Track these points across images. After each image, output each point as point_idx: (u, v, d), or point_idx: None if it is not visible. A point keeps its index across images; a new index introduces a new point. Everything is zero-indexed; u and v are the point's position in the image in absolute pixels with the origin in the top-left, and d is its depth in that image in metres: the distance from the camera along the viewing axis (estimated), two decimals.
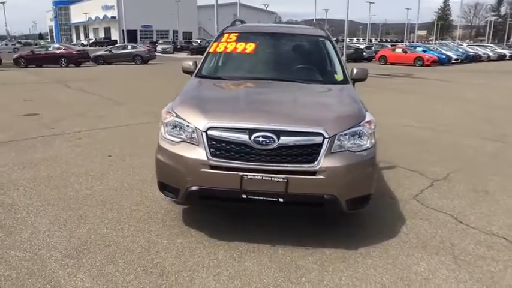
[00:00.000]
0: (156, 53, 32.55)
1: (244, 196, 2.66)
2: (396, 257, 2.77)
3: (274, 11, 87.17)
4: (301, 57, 4.11)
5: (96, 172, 4.38)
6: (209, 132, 2.68)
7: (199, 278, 2.50)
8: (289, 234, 3.07)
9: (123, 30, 74.56)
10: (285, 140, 2.61)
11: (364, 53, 28.91)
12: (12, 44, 46.54)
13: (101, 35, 79.34)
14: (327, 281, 2.50)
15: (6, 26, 72.04)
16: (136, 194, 3.79)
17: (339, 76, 3.75)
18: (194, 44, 46.71)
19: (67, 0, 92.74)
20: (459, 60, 29.16)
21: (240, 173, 2.60)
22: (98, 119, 7.30)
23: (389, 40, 70.60)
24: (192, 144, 2.73)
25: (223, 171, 2.63)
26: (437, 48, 30.36)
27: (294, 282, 2.48)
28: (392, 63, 26.27)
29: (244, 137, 2.62)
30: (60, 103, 9.23)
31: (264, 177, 2.59)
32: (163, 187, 2.95)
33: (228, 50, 4.02)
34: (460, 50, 33.08)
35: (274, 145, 2.60)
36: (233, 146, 2.64)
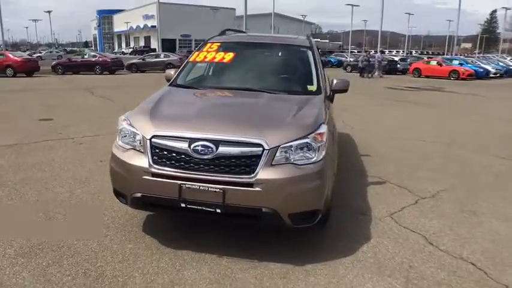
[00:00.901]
0: None
1: (183, 205, 2.65)
2: (343, 277, 2.63)
3: (312, 22, 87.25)
4: (276, 67, 4.07)
5: (81, 176, 4.53)
6: (153, 140, 2.70)
7: (132, 284, 2.51)
8: (242, 245, 3.01)
9: (162, 39, 77.56)
10: (223, 150, 2.58)
11: (398, 65, 28.04)
12: (57, 52, 49.47)
13: (141, 43, 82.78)
14: None
15: (53, 33, 77.07)
16: (109, 199, 3.85)
17: (313, 87, 3.66)
18: None
19: (111, 10, 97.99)
20: (498, 75, 27.59)
21: (179, 182, 2.60)
22: (106, 125, 7.57)
23: (430, 53, 68.27)
24: (139, 152, 2.76)
25: (163, 179, 2.64)
26: (475, 62, 28.92)
27: None
28: (426, 76, 25.30)
29: (184, 146, 2.62)
30: (77, 109, 9.68)
31: (201, 187, 2.57)
32: (116, 193, 3.00)
33: (207, 60, 4.06)
34: (501, 63, 31.30)
35: (212, 155, 2.58)
36: (174, 154, 2.65)
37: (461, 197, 4.16)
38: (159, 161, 2.68)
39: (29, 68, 20.55)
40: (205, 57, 4.09)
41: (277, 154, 2.60)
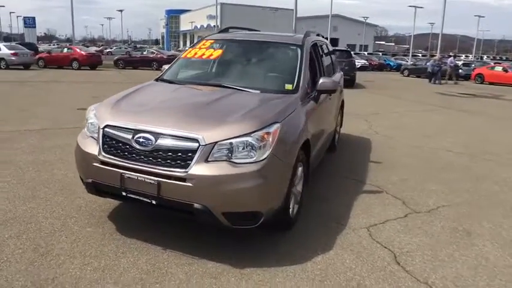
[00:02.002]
0: None
1: (124, 194, 2.69)
2: (275, 285, 2.47)
3: (375, 24, 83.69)
4: (259, 65, 3.97)
5: None
6: (105, 129, 2.78)
7: (68, 264, 2.60)
8: (197, 241, 2.97)
9: None
10: (161, 142, 2.58)
11: (460, 71, 25.89)
12: (125, 48, 52.80)
13: None
14: None
15: (127, 31, 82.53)
16: None
17: (290, 86, 3.48)
18: None
19: (178, 10, 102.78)
20: None
21: (121, 171, 2.64)
22: None
23: (504, 58, 62.13)
24: (95, 140, 2.85)
25: (109, 167, 2.70)
26: None
27: (147, 286, 2.40)
28: (490, 83, 23.06)
29: (128, 137, 2.67)
30: None
31: (139, 178, 2.59)
32: (80, 178, 3.12)
33: (196, 56, 4.09)
34: None
35: (151, 147, 2.58)
36: (120, 144, 2.70)
37: (463, 215, 3.70)
38: (108, 149, 2.75)
39: (92, 62, 22.32)
40: (195, 53, 4.11)
41: (214, 150, 2.52)
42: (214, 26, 79.52)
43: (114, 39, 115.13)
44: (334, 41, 63.51)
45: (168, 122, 2.67)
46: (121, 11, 71.40)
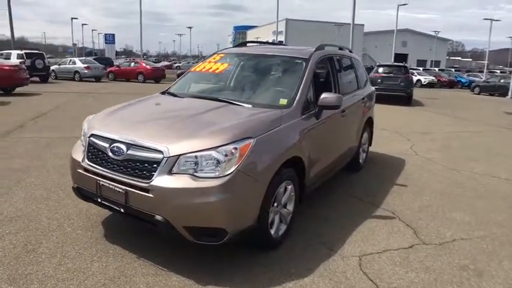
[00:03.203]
0: None
1: (99, 200, 2.79)
2: None
3: (448, 39, 78.45)
4: (259, 78, 3.91)
5: None
6: (90, 138, 2.93)
7: (47, 262, 2.76)
8: (171, 253, 2.95)
9: None
10: (131, 152, 2.64)
11: None
12: (193, 63, 55.77)
13: None
14: None
15: (198, 46, 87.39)
16: None
17: (284, 101, 3.36)
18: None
19: (246, 26, 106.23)
20: None
21: (97, 178, 2.75)
22: None
23: None
24: (84, 148, 3.01)
25: (89, 174, 2.83)
26: None
27: None
28: None
29: (106, 146, 2.78)
30: None
31: (110, 185, 2.67)
32: None
33: (204, 70, 4.17)
34: None
35: (123, 156, 2.66)
36: (100, 153, 2.83)
37: (482, 251, 3.22)
38: (90, 157, 2.89)
39: (156, 76, 23.88)
40: (204, 67, 4.20)
41: (178, 163, 2.51)
42: (279, 41, 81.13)
43: (186, 55, 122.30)
44: (403, 57, 60.79)
45: (141, 133, 2.74)
46: (190, 28, 75.74)
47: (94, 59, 29.09)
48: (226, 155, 2.53)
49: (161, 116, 3.19)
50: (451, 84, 31.82)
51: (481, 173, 5.64)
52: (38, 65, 19.11)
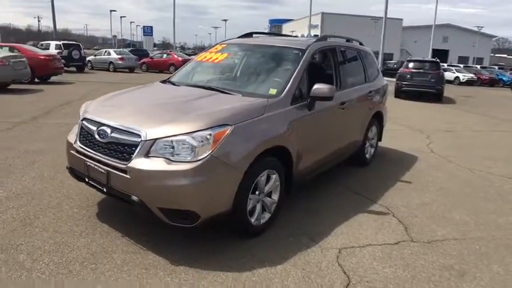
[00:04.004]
0: None
1: (87, 180, 2.95)
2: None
3: (493, 35, 73.76)
4: (254, 68, 3.94)
5: None
6: (83, 121, 3.11)
7: (39, 235, 2.97)
8: (156, 233, 3.06)
9: None
10: (114, 135, 2.79)
11: None
12: None
13: None
14: (105, 274, 2.52)
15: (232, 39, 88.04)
16: None
17: (274, 90, 3.36)
18: (388, 65, 44.79)
19: (281, 19, 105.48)
20: None
21: (85, 159, 2.92)
22: None
23: None
24: (77, 131, 3.19)
25: (79, 155, 3.01)
26: None
27: (84, 265, 2.61)
28: None
29: (94, 129, 2.94)
30: None
31: (95, 166, 2.83)
32: None
33: (205, 60, 4.26)
34: None
35: (107, 139, 2.81)
36: (89, 135, 2.99)
37: (472, 252, 3.09)
38: (82, 139, 3.07)
39: None
40: (205, 57, 4.28)
41: (154, 146, 2.62)
42: (314, 35, 79.89)
43: None
44: (443, 53, 58.06)
45: (125, 118, 2.88)
46: (225, 20, 76.46)
47: (130, 50, 30.06)
48: (200, 141, 2.59)
49: (150, 102, 3.30)
50: (492, 83, 30.06)
51: (497, 174, 5.36)
52: (75, 55, 20.03)
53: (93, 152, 2.88)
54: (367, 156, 5.31)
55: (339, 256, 2.93)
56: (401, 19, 63.53)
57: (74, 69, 20.78)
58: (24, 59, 11.25)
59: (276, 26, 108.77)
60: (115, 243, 2.92)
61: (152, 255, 2.78)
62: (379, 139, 5.74)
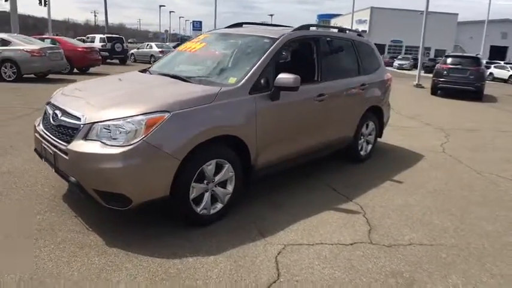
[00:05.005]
0: (392, 69, 33.87)
1: (43, 159, 3.11)
2: (116, 270, 2.45)
3: None
4: (222, 57, 3.90)
5: None
6: (46, 106, 3.28)
7: (1, 204, 3.15)
8: (111, 215, 3.11)
9: None
10: (62, 119, 2.91)
11: None
12: None
13: None
14: (41, 249, 2.62)
15: None
16: None
17: (233, 79, 3.28)
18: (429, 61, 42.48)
19: (330, 14, 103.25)
20: None
21: (42, 140, 3.08)
22: None
23: None
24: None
25: (39, 136, 3.16)
26: None
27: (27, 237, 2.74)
28: None
29: (50, 112, 3.08)
30: None
31: (47, 147, 2.98)
32: None
33: (184, 49, 4.33)
34: None
35: (57, 122, 2.94)
36: (47, 118, 3.14)
37: (435, 261, 2.80)
38: (43, 122, 3.23)
39: None
40: (186, 47, 4.30)
41: (92, 130, 2.68)
42: (362, 30, 77.25)
43: None
44: (502, 50, 53.56)
45: (75, 103, 2.99)
46: (271, 15, 76.36)
47: (175, 45, 30.97)
48: (133, 126, 2.61)
49: (110, 90, 3.40)
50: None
51: (509, 178, 4.84)
52: (117, 48, 21.04)
53: (48, 134, 3.02)
54: (362, 153, 5.02)
55: (281, 252, 2.80)
56: (457, 14, 59.59)
57: (117, 61, 21.86)
58: (60, 51, 12.00)
59: (324, 21, 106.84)
60: (65, 222, 3.02)
61: (94, 235, 2.85)
62: (379, 136, 5.41)
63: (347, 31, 4.80)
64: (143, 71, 4.13)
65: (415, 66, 40.39)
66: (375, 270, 2.65)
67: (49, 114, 3.10)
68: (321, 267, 2.65)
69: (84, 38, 24.99)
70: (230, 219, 3.22)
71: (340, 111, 4.37)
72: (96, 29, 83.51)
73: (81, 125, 2.70)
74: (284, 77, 3.27)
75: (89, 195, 2.71)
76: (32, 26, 60.24)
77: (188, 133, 2.77)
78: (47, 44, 12.63)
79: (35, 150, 3.38)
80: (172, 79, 3.44)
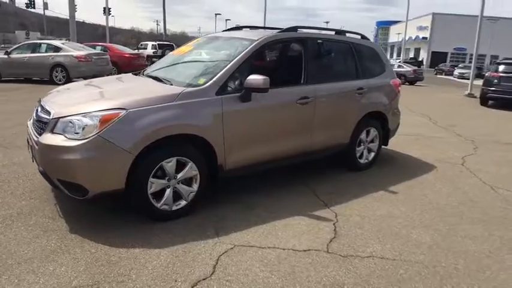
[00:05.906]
0: (453, 78, 33.88)
1: (29, 150, 3.43)
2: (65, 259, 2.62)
3: None
4: (202, 59, 4.00)
5: None
6: (38, 103, 3.59)
7: None
8: (88, 205, 3.35)
9: (432, 52, 71.97)
10: (39, 114, 3.21)
11: None
12: None
13: (411, 55, 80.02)
14: (12, 229, 2.87)
15: None
16: None
17: (202, 80, 3.35)
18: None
19: (389, 21, 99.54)
20: None
21: (28, 132, 3.41)
22: None
23: None
24: None
25: (28, 130, 3.46)
26: None
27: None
28: None
29: (39, 109, 3.38)
30: None
31: (29, 140, 3.30)
32: None
33: (175, 53, 4.55)
34: None
35: (38, 117, 3.24)
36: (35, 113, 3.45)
37: (387, 276, 2.61)
38: (33, 118, 3.51)
39: None
40: (178, 50, 4.49)
41: (58, 124, 2.92)
42: (422, 37, 73.29)
43: None
44: None
45: (52, 99, 3.34)
46: (327, 22, 75.60)
47: None
48: (90, 121, 2.81)
49: (90, 89, 3.70)
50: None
51: None
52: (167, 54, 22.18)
53: (31, 127, 3.34)
54: (362, 161, 4.81)
55: (226, 252, 2.80)
56: None
57: None
58: (106, 57, 12.99)
59: (383, 28, 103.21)
60: (43, 208, 3.30)
61: (62, 221, 3.08)
62: (385, 144, 5.15)
63: (346, 34, 4.66)
64: (136, 74, 4.36)
65: (478, 76, 37.50)
66: (315, 279, 2.54)
67: (35, 110, 3.41)
68: (259, 270, 2.60)
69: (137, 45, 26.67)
70: (193, 217, 3.28)
71: (330, 116, 4.23)
72: (158, 36, 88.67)
73: (50, 120, 2.96)
74: (253, 78, 3.28)
75: (55, 184, 2.94)
76: (101, 35, 65.65)
77: (144, 130, 2.89)
78: (94, 50, 13.72)
79: (27, 146, 3.71)
80: (151, 80, 3.62)
